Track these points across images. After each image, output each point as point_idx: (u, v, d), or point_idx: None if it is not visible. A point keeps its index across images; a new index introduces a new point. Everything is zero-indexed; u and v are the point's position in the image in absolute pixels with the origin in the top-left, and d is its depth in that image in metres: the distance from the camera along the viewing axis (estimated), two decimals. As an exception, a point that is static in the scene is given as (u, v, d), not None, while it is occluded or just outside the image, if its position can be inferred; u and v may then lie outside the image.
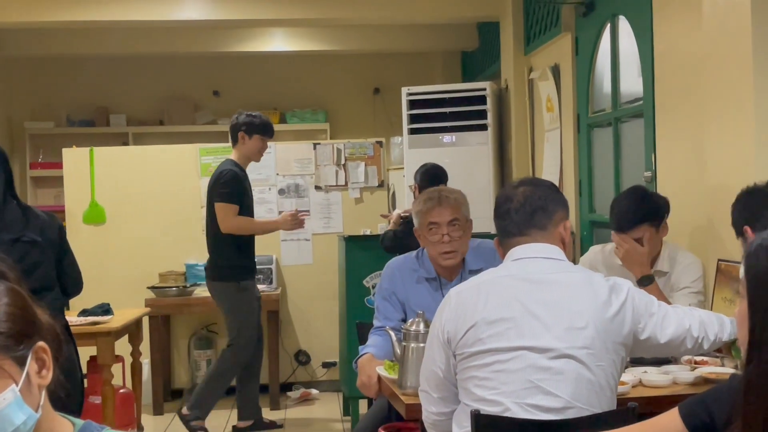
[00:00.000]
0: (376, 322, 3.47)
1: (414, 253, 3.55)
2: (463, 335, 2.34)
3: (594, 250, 3.87)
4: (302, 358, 6.85)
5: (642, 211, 3.50)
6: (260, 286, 6.46)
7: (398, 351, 2.95)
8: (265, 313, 6.37)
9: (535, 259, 2.38)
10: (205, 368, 6.49)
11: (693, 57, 3.87)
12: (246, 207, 5.50)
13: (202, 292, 6.36)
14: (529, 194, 2.45)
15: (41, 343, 1.33)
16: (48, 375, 1.33)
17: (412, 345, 2.88)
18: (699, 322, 2.51)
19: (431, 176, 5.33)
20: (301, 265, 6.90)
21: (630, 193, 3.65)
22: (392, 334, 3.05)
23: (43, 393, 1.34)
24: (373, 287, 5.62)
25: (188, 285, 6.35)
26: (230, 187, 5.37)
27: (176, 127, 8.68)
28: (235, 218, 5.39)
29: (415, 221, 3.48)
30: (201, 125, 8.74)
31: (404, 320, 3.40)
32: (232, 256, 5.48)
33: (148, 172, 6.67)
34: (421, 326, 2.91)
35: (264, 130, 5.55)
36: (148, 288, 6.30)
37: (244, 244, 5.51)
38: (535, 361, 2.25)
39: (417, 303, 3.35)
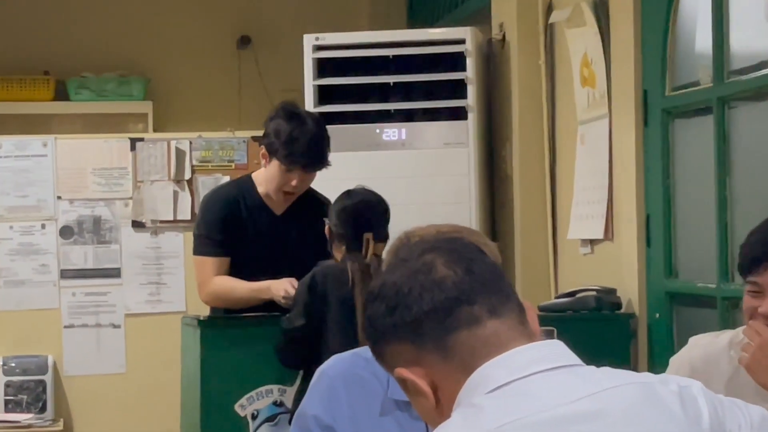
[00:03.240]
0: None
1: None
2: None
3: (698, 343, 3.62)
4: None
5: None
6: (24, 416, 6.07)
7: None
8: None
9: (538, 377, 2.23)
10: None
11: None
12: (249, 255, 5.25)
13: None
14: (460, 249, 2.32)
15: None
16: None
17: None
18: None
19: (358, 221, 4.96)
20: (101, 376, 6.37)
21: None
22: None
23: None
24: (254, 417, 5.30)
25: None
26: (201, 227, 5.21)
27: None
28: (212, 280, 5.20)
29: None
30: None
31: None
32: None
33: None
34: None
35: (286, 156, 5.05)
36: None
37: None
38: None
39: None
